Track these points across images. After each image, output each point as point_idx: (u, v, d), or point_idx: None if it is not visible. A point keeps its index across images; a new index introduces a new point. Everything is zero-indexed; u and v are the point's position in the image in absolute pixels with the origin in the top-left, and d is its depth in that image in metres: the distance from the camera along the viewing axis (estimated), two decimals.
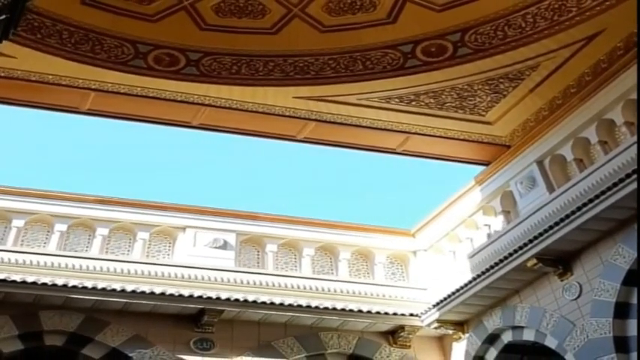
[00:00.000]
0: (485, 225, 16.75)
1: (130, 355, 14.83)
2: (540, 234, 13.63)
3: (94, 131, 27.76)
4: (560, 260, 13.82)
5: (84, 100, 14.11)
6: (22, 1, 7.90)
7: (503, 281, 14.76)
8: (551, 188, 14.68)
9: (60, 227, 16.90)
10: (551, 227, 13.41)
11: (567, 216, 13.09)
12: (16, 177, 34.59)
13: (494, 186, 16.33)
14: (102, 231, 17.16)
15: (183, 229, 17.80)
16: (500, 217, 16.25)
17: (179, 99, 14.31)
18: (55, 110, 14.53)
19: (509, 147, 15.88)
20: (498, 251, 15.27)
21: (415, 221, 19.29)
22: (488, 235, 16.38)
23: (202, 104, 14.46)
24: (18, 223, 16.64)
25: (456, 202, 17.57)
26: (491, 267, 14.74)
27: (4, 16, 8.54)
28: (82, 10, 12.87)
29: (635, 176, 11.70)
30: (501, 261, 14.49)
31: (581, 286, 13.47)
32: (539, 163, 15.12)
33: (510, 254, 14.30)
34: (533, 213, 14.63)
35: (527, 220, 14.77)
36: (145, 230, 17.56)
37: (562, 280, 13.92)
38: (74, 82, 13.65)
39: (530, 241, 13.82)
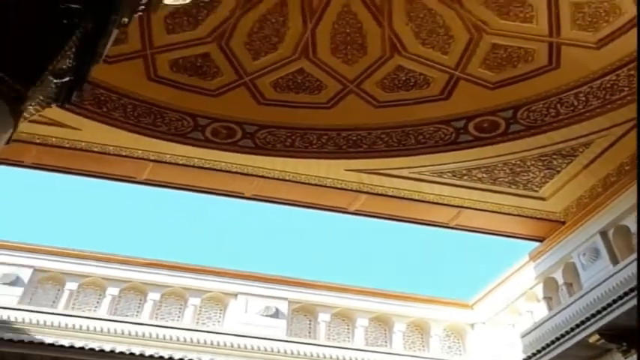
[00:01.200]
0: (546, 298, 16.31)
1: None
2: (604, 308, 13.22)
3: (148, 197, 28.25)
4: (624, 336, 13.23)
5: (142, 170, 14.53)
6: (86, 65, 8.21)
7: (564, 358, 14.27)
8: (614, 260, 14.21)
9: (112, 291, 17.01)
10: (614, 301, 13.03)
11: (632, 289, 12.68)
12: (70, 239, 35.17)
13: (552, 261, 16.01)
14: (153, 296, 17.18)
15: (235, 295, 17.69)
16: (561, 291, 15.83)
17: (234, 170, 14.62)
18: (113, 180, 14.93)
19: (563, 223, 15.69)
20: (559, 326, 14.66)
21: (472, 293, 18.94)
22: (549, 309, 15.91)
23: (256, 175, 14.74)
24: (71, 286, 16.86)
25: (515, 273, 17.14)
26: (552, 342, 14.33)
27: (67, 79, 8.84)
28: (147, 85, 13.55)
29: None
30: (562, 336, 14.08)
31: None
32: (603, 234, 14.69)
33: (572, 329, 13.89)
34: (596, 286, 14.02)
35: (589, 294, 14.19)
36: (196, 296, 17.50)
37: (625, 358, 13.38)
38: (133, 153, 14.13)
39: (593, 315, 13.39)
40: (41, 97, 9.18)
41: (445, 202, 15.50)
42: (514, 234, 16.47)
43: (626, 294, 12.86)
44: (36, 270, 16.96)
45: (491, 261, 30.59)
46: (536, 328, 15.63)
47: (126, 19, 8.05)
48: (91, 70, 8.53)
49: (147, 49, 13.53)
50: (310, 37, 13.88)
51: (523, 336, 16.07)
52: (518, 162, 14.61)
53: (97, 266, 17.28)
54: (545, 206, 15.59)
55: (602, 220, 14.77)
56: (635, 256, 13.37)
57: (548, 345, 14.48)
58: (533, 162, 14.60)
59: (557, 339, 14.22)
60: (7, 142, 8.39)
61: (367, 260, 33.28)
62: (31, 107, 9.05)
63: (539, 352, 14.71)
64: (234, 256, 32.44)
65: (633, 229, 14.16)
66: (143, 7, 8.35)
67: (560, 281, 15.90)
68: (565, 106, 13.46)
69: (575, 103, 13.40)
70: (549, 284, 16.35)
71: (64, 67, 8.26)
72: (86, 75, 8.68)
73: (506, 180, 15.04)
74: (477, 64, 13.80)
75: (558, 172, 14.76)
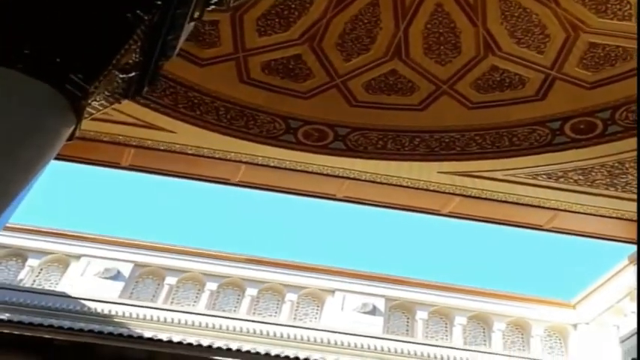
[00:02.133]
0: None
1: None
2: None
3: (245, 196, 28.78)
4: None
5: (235, 172, 14.64)
6: (154, 59, 8.21)
7: None
8: None
9: (210, 286, 17.46)
10: None
11: None
12: (171, 235, 36.19)
13: None
14: (251, 291, 17.59)
15: (332, 292, 17.95)
16: None
17: (325, 172, 14.56)
18: (208, 181, 15.10)
19: None
20: None
21: (572, 294, 18.72)
22: None
23: (347, 177, 14.65)
24: (171, 280, 17.21)
25: (618, 274, 16.80)
26: None
27: (134, 74, 8.85)
28: (240, 87, 13.60)
29: None
30: None
31: None
32: None
33: None
34: None
35: None
36: (293, 292, 17.89)
37: None
38: (226, 155, 14.21)
39: None
40: (107, 93, 9.25)
41: (540, 205, 15.08)
42: (612, 237, 15.95)
43: None
44: (136, 265, 17.42)
45: (590, 262, 30.12)
46: (635, 333, 15.30)
47: (197, 13, 8.00)
48: (162, 64, 8.46)
49: (239, 52, 13.61)
50: (403, 37, 13.72)
51: (622, 341, 15.73)
52: (617, 164, 14.13)
53: (196, 262, 17.74)
54: None
55: None
56: None
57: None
58: (632, 164, 14.11)
59: None
60: (70, 139, 8.39)
61: (465, 259, 33.19)
62: (96, 103, 9.12)
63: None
64: (331, 254, 32.72)
65: None
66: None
67: None
68: None
69: None
70: None
71: (130, 61, 8.29)
72: (155, 69, 8.66)
73: (604, 182, 14.58)
74: (574, 63, 13.41)
75: None
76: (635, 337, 15.30)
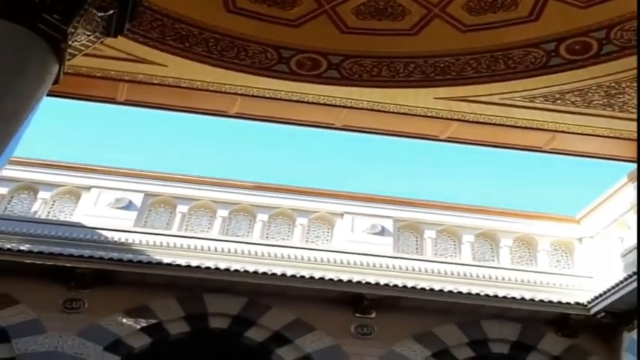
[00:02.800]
0: None
1: (293, 339, 15.21)
2: None
3: (251, 124, 29.01)
4: None
5: (231, 104, 14.78)
6: None
7: None
8: None
9: (222, 213, 17.85)
10: None
11: None
12: (180, 165, 36.60)
13: None
14: (262, 217, 17.99)
15: (342, 215, 18.31)
16: None
17: (322, 102, 14.64)
18: (205, 114, 15.28)
19: None
20: None
21: (579, 208, 18.86)
22: None
23: (344, 106, 14.73)
24: (182, 208, 17.67)
25: (620, 189, 16.94)
26: None
27: (112, 11, 8.97)
28: (227, 17, 13.43)
29: None
30: None
31: None
32: None
33: None
34: None
35: None
36: (303, 216, 18.28)
37: None
38: (221, 88, 14.32)
39: None
40: (88, 32, 9.41)
41: (538, 127, 15.10)
42: (610, 156, 15.98)
43: None
44: (147, 194, 17.85)
45: (601, 174, 29.90)
46: (632, 250, 15.42)
47: None
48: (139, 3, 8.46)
49: None
50: None
51: (624, 255, 15.85)
52: (613, 84, 13.99)
53: (206, 190, 18.11)
54: None
55: None
56: None
57: (625, 279, 14.25)
58: (628, 83, 13.93)
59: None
60: (56, 82, 8.62)
61: (470, 180, 33.12)
62: (77, 43, 9.31)
63: (631, 276, 14.34)
64: (339, 179, 32.84)
65: None
66: None
67: None
68: None
69: None
70: None
71: None
72: (135, 4, 8.71)
73: (601, 102, 14.47)
74: None
75: None
76: (635, 252, 15.38)
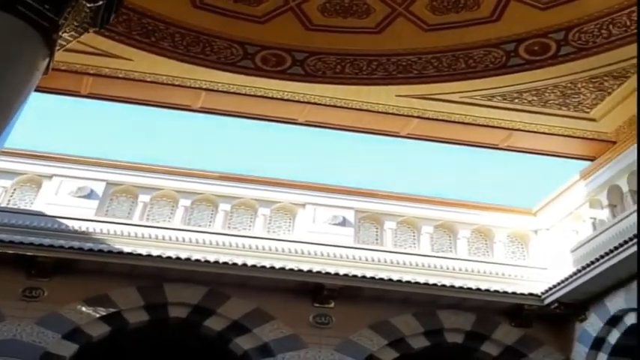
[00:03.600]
0: (611, 205, 16.31)
1: (251, 328, 15.25)
2: None
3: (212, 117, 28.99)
4: None
5: (196, 99, 14.92)
6: None
7: (631, 260, 13.93)
8: None
9: (184, 202, 17.75)
10: None
11: None
12: (142, 155, 36.39)
13: (602, 179, 16.22)
14: (224, 207, 17.88)
15: (303, 205, 18.32)
16: (626, 199, 15.83)
17: (286, 97, 14.88)
18: (169, 108, 15.38)
19: (614, 142, 15.72)
20: (624, 232, 14.80)
21: (537, 200, 19.15)
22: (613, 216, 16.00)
23: (308, 102, 14.96)
24: (144, 198, 17.61)
25: (577, 183, 17.25)
26: (620, 245, 14.12)
27: (101, 2, 9.01)
28: (193, 13, 13.50)
29: None
30: (630, 239, 13.85)
31: None
32: None
33: (618, 246, 13.95)
34: None
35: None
36: (265, 206, 18.18)
37: None
38: (186, 82, 14.45)
39: None
40: (76, 23, 9.41)
41: (496, 125, 15.54)
42: (565, 154, 16.56)
43: None
44: (109, 183, 17.71)
45: (550, 174, 30.54)
46: (582, 245, 16.00)
47: None
48: None
49: None
50: None
51: (573, 250, 16.37)
52: (569, 84, 14.47)
53: (168, 179, 17.96)
54: (596, 127, 15.56)
55: None
56: None
57: (616, 248, 14.28)
58: (584, 84, 14.44)
59: (625, 242, 13.99)
60: (46, 72, 8.61)
61: (430, 172, 33.53)
62: (66, 34, 9.31)
63: (606, 254, 14.60)
64: (301, 168, 32.91)
65: None
66: None
67: (625, 189, 15.86)
68: (617, 26, 13.06)
69: (628, 23, 12.95)
70: (614, 192, 16.32)
71: None
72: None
73: (557, 102, 14.96)
74: None
75: (609, 93, 14.60)
76: (585, 246, 15.93)
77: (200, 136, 33.42)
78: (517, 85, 14.51)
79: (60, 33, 8.69)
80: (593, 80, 14.33)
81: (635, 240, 13.62)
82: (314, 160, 33.22)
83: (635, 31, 13.01)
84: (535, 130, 15.59)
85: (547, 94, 14.75)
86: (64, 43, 9.40)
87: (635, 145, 14.82)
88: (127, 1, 12.60)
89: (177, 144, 33.11)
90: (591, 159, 16.42)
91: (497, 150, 16.37)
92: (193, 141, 32.80)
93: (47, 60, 8.54)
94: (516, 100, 14.92)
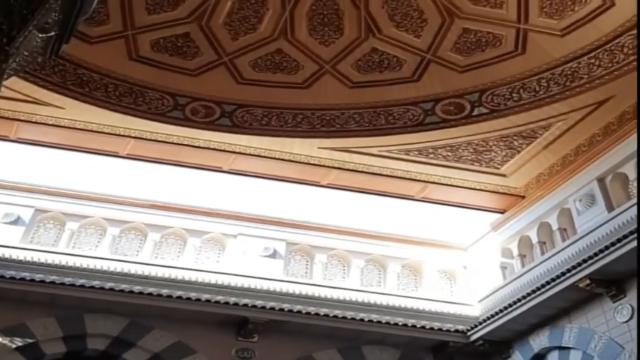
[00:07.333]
0: (520, 255, 16.96)
1: None
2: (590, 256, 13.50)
3: None
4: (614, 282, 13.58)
5: (123, 146, 15.06)
6: (73, 18, 8.43)
7: (554, 300, 14.45)
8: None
9: (112, 231, 17.28)
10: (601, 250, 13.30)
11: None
12: (71, 181, 35.08)
13: (511, 232, 17.11)
14: (154, 236, 17.56)
15: (235, 236, 18.16)
16: (535, 249, 16.52)
17: (212, 147, 15.19)
18: (96, 154, 15.37)
19: (523, 197, 16.63)
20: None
21: (467, 236, 19.36)
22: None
23: (233, 152, 15.29)
24: (72, 225, 17.13)
25: (505, 221, 17.54)
26: (543, 285, 14.53)
27: (53, 33, 9.02)
28: (129, 65, 13.86)
29: None
30: (553, 280, 14.28)
31: (633, 309, 13.03)
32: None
33: (563, 273, 14.09)
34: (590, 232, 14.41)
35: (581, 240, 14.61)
36: (196, 236, 17.96)
37: (614, 302, 13.55)
38: (115, 131, 14.60)
39: (585, 260, 13.57)
40: (26, 53, 9.34)
41: (412, 177, 16.24)
42: (477, 206, 17.34)
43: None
44: (37, 210, 17.20)
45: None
46: (489, 295, 16.89)
47: None
48: (79, 22, 8.52)
49: (128, 30, 13.80)
50: (289, 17, 14.17)
51: (480, 301, 17.08)
52: (482, 142, 15.36)
53: (97, 207, 17.42)
54: (506, 182, 16.46)
55: (557, 195, 15.66)
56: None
57: (539, 288, 14.66)
58: (495, 142, 15.35)
59: (548, 282, 14.37)
60: None
61: (363, 206, 33.62)
62: (15, 64, 9.22)
63: (528, 294, 14.94)
64: (233, 199, 32.48)
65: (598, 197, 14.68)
66: None
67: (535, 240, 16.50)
68: (527, 91, 14.09)
69: (537, 89, 14.02)
70: (523, 242, 17.01)
71: (50, 20, 8.31)
72: (73, 29, 8.79)
73: (470, 158, 15.81)
74: (448, 47, 14.30)
75: (519, 151, 15.53)
76: (491, 297, 16.74)
77: (132, 165, 32.61)
78: (433, 141, 15.27)
79: (9, 62, 8.62)
80: (504, 139, 15.23)
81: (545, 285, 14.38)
82: (247, 191, 33.01)
83: (544, 96, 14.07)
84: (449, 183, 16.32)
85: (461, 151, 15.56)
86: (12, 72, 9.33)
87: (544, 200, 16.01)
88: (67, 52, 12.67)
89: (108, 172, 32.23)
90: (502, 212, 17.30)
91: (413, 201, 17.00)
92: (124, 169, 32.00)
93: None
94: (432, 155, 15.68)
